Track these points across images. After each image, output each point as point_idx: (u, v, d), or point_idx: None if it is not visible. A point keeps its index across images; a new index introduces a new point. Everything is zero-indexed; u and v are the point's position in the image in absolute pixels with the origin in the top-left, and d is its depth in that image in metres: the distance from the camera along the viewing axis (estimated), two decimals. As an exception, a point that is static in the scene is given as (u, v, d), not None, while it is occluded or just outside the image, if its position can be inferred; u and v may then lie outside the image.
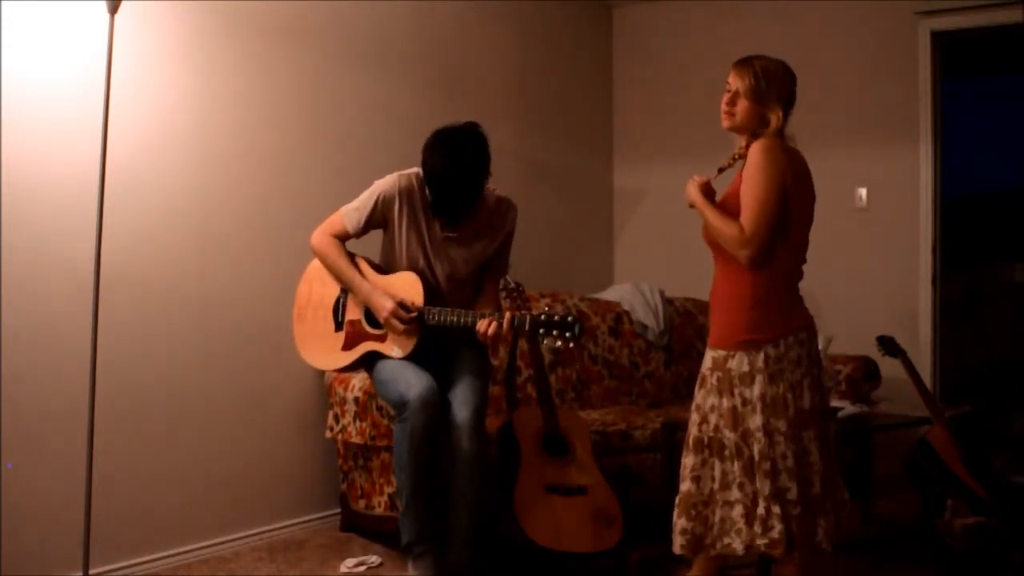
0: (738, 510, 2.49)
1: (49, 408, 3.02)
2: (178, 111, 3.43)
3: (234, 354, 3.61)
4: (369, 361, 3.14)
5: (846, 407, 3.69)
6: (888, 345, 3.64)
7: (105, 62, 2.85)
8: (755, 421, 2.49)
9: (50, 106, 3.04)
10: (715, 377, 2.57)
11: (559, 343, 2.89)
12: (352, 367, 3.20)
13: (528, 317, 2.93)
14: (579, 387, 4.38)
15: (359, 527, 3.74)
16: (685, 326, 4.79)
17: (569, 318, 2.89)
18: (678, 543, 2.56)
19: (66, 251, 3.07)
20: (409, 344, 3.05)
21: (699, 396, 2.61)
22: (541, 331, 2.90)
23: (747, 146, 2.57)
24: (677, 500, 2.59)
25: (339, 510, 3.85)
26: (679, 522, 2.56)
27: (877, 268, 4.61)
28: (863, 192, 4.69)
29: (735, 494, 2.50)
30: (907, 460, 3.35)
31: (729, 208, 2.55)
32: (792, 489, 2.48)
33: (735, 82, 2.56)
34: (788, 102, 2.56)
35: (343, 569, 3.37)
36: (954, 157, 4.98)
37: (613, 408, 4.29)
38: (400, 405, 2.97)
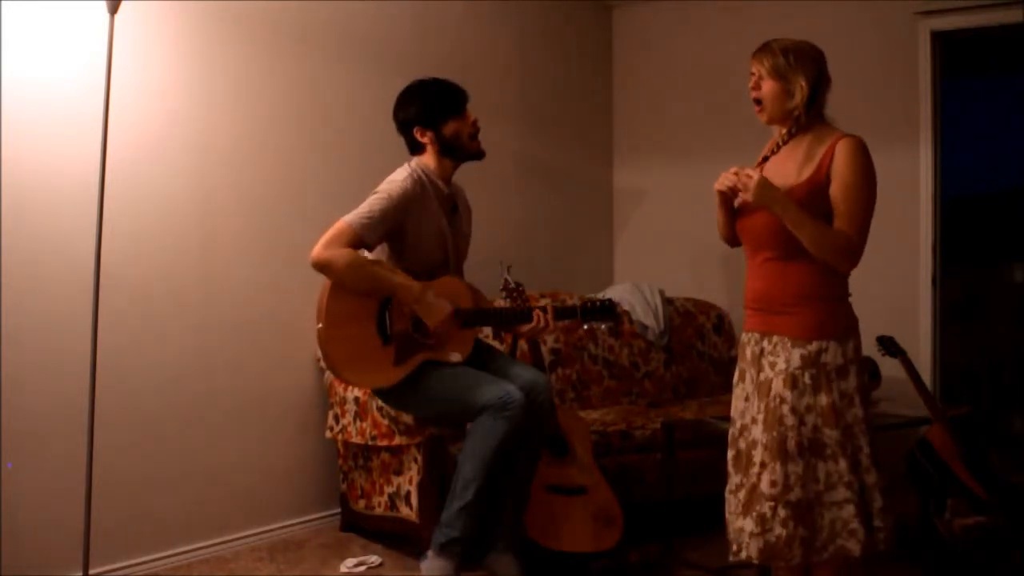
0: (849, 510, 2.37)
1: (49, 409, 3.02)
2: (178, 111, 3.43)
3: (234, 354, 3.61)
4: (420, 372, 3.02)
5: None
6: (888, 345, 3.64)
7: (105, 62, 2.86)
8: (857, 413, 2.40)
9: (50, 106, 3.04)
10: (808, 375, 2.39)
11: (603, 326, 3.09)
12: (404, 382, 3.02)
13: (577, 306, 3.10)
14: (579, 387, 4.38)
15: (359, 527, 3.74)
16: (685, 326, 4.79)
17: (606, 300, 3.07)
18: (798, 553, 2.35)
19: (66, 251, 3.07)
20: (467, 347, 3.01)
21: (792, 398, 2.38)
22: (586, 316, 3.07)
23: (791, 126, 2.47)
24: (789, 512, 2.35)
25: (339, 510, 3.86)
26: (798, 531, 2.35)
27: (877, 268, 4.59)
28: (863, 192, 4.68)
29: (843, 493, 2.38)
30: (907, 460, 3.34)
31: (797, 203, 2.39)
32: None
33: (756, 67, 2.47)
34: (818, 79, 2.45)
35: (343, 569, 3.37)
36: (954, 157, 4.98)
37: (613, 408, 4.29)
38: (502, 403, 2.88)
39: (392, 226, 3.01)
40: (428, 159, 3.13)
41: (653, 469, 3.71)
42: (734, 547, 2.43)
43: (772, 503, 2.36)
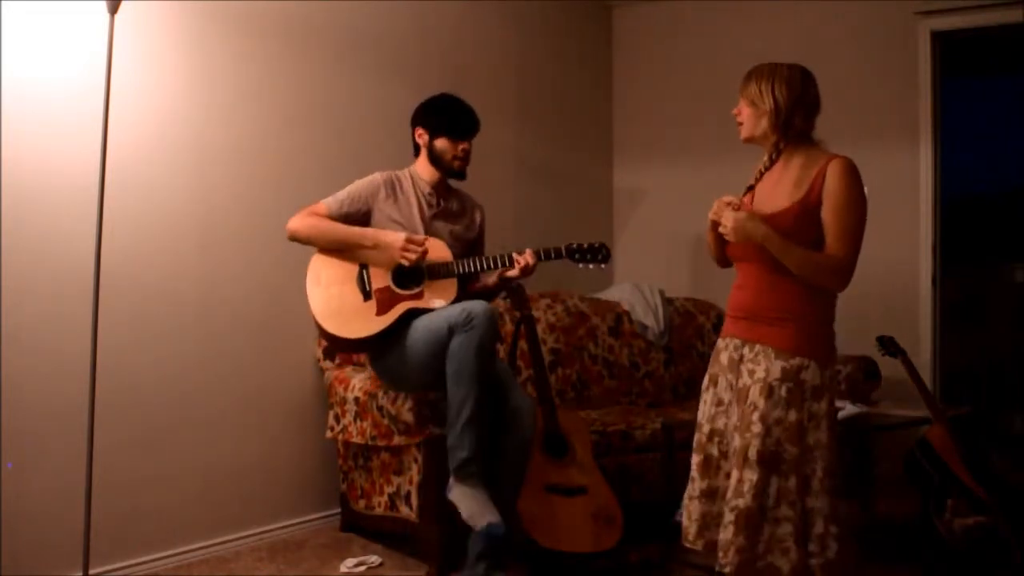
0: (786, 528, 2.37)
1: (49, 408, 3.02)
2: (178, 111, 3.43)
3: (234, 354, 3.61)
4: (405, 322, 3.17)
5: (846, 407, 3.68)
6: (888, 345, 3.64)
7: (105, 62, 2.85)
8: (820, 437, 2.40)
9: (50, 106, 3.04)
10: (785, 388, 2.40)
11: (591, 266, 3.28)
12: (389, 331, 3.17)
13: (563, 248, 3.26)
14: (579, 387, 4.38)
15: (359, 527, 3.74)
16: (685, 326, 4.79)
17: (596, 243, 3.30)
18: (733, 561, 2.37)
19: (66, 251, 3.07)
20: (450, 296, 3.18)
21: (765, 407, 2.39)
22: (576, 257, 3.27)
23: (771, 152, 2.49)
24: (733, 517, 2.38)
25: (339, 510, 3.86)
26: (736, 539, 2.37)
27: (877, 268, 4.61)
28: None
29: (785, 511, 2.38)
30: (907, 460, 3.34)
31: (781, 228, 2.40)
32: (844, 508, 2.42)
33: (740, 95, 2.53)
34: (795, 103, 2.46)
35: (343, 569, 3.37)
36: (954, 157, 4.98)
37: (613, 408, 4.29)
38: (465, 317, 2.99)
39: (359, 208, 3.28)
40: (420, 162, 3.39)
41: (653, 469, 3.71)
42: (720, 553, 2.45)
43: (726, 506, 2.42)
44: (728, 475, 2.49)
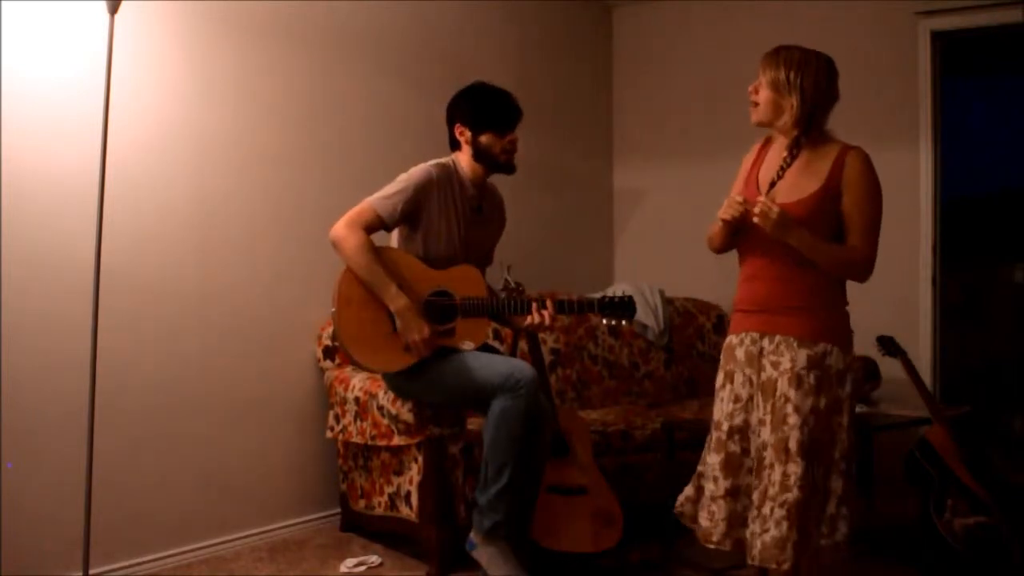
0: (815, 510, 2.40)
1: (49, 408, 3.02)
2: (178, 111, 3.43)
3: (234, 354, 3.61)
4: (432, 358, 3.06)
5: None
6: (888, 345, 3.64)
7: (105, 62, 2.85)
8: (843, 420, 2.42)
9: (50, 106, 3.04)
10: (813, 376, 2.39)
11: (614, 322, 3.08)
12: (414, 367, 3.07)
13: (595, 301, 3.09)
14: (579, 387, 4.38)
15: (359, 527, 3.74)
16: (685, 326, 4.79)
17: (626, 297, 3.08)
18: (790, 557, 2.33)
19: (66, 251, 3.07)
20: (481, 336, 3.08)
21: (796, 397, 2.38)
22: (606, 312, 3.08)
23: (791, 147, 2.46)
24: (784, 512, 2.34)
25: (339, 510, 3.86)
26: (791, 534, 2.33)
27: (877, 268, 4.60)
28: (863, 192, 4.68)
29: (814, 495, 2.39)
30: (907, 460, 3.34)
31: (799, 218, 2.38)
32: (854, 491, 2.43)
33: (761, 73, 2.48)
34: (819, 97, 2.45)
35: (343, 569, 3.37)
36: (954, 157, 4.98)
37: (613, 408, 4.29)
38: (513, 383, 2.92)
39: (412, 207, 3.08)
40: (462, 159, 3.22)
41: (653, 469, 3.71)
42: (751, 551, 2.42)
43: (771, 503, 2.37)
44: (751, 471, 2.47)
